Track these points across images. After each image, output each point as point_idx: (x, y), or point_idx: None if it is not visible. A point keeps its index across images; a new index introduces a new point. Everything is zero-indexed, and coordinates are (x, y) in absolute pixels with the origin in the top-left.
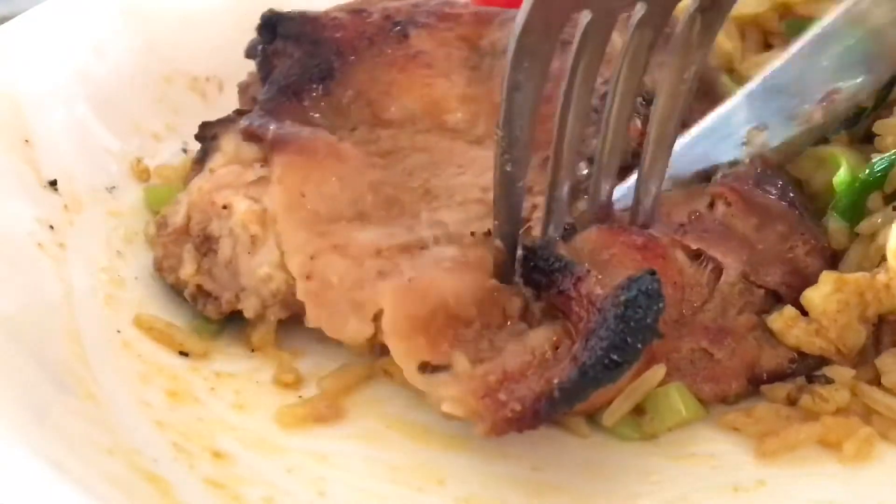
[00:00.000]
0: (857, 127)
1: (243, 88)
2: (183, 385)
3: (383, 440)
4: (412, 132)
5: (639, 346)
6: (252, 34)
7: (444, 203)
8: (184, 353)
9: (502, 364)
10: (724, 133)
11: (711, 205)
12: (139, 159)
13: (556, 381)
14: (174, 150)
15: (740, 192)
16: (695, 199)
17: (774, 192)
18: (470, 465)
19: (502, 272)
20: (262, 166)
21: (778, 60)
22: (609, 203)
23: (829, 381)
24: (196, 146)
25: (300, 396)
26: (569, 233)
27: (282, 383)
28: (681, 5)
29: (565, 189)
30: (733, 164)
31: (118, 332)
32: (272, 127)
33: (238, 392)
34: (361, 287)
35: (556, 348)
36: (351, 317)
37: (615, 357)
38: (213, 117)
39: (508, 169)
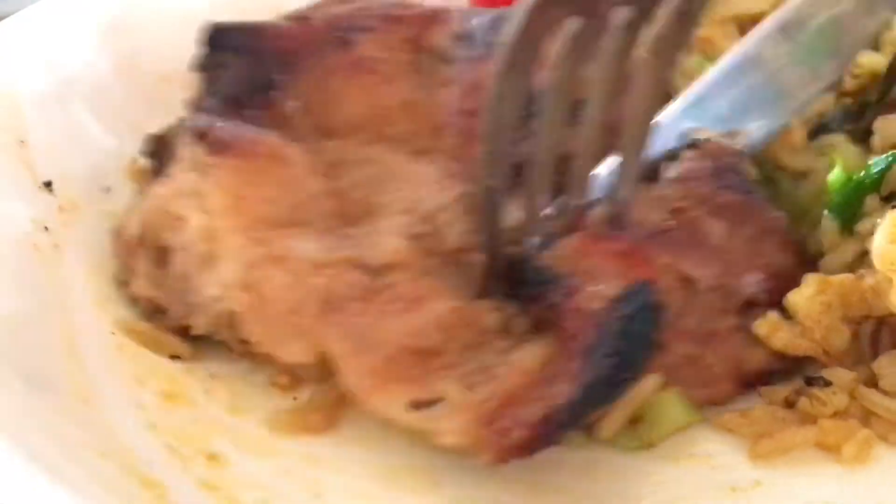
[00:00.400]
0: (861, 122)
1: (191, 103)
2: (178, 387)
3: (378, 442)
4: (356, 143)
5: (644, 360)
6: None
7: (384, 217)
8: (174, 357)
9: (498, 389)
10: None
11: (676, 212)
12: (134, 160)
13: (560, 401)
14: None
15: (701, 201)
16: (659, 204)
17: (733, 184)
18: (465, 467)
19: (484, 287)
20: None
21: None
22: (584, 209)
23: (827, 383)
24: None
25: (294, 399)
26: (548, 242)
27: (277, 385)
28: None
29: (543, 198)
30: (676, 155)
31: (112, 333)
32: (218, 125)
33: (233, 394)
34: (303, 311)
35: (550, 365)
36: (292, 341)
37: (622, 374)
38: None
39: (491, 183)
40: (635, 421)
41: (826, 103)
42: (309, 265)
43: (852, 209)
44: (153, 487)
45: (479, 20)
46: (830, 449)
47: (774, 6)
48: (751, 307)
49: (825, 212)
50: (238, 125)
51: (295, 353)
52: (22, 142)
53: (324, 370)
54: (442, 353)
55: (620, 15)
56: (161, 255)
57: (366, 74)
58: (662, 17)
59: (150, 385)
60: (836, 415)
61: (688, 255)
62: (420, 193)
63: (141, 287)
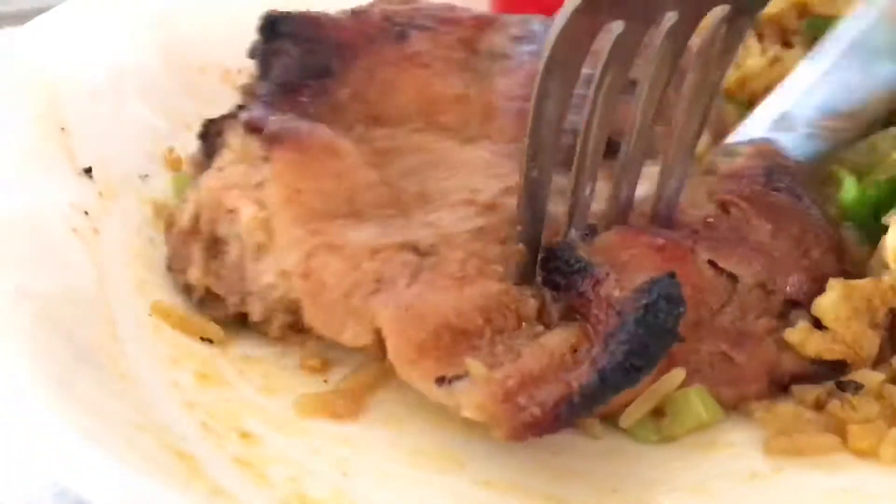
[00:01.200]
0: None
1: (246, 90)
2: (212, 368)
3: (405, 424)
4: (407, 132)
5: (659, 350)
6: None
7: (436, 205)
8: (206, 340)
9: (520, 367)
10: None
11: (724, 207)
12: (171, 149)
13: (575, 385)
14: None
15: (750, 198)
16: (706, 201)
17: (783, 186)
18: (489, 450)
19: (524, 275)
20: (267, 163)
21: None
22: (629, 205)
23: (859, 387)
24: None
25: (325, 381)
26: (590, 234)
27: (308, 368)
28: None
29: (588, 191)
30: (732, 153)
31: (150, 315)
32: (271, 118)
33: (265, 376)
34: (358, 293)
35: (575, 351)
36: (349, 322)
37: (635, 362)
38: None
39: (534, 175)
40: (658, 414)
41: None
42: (363, 251)
43: (872, 222)
44: (188, 461)
45: (538, 25)
46: (864, 454)
47: (793, 6)
48: (792, 308)
49: (846, 223)
50: (291, 118)
51: (352, 336)
52: (63, 129)
53: (380, 352)
54: (479, 335)
55: (666, 22)
56: (214, 245)
57: (419, 68)
58: (713, 22)
59: (185, 366)
60: (864, 421)
61: (731, 252)
62: (471, 180)
63: (197, 276)
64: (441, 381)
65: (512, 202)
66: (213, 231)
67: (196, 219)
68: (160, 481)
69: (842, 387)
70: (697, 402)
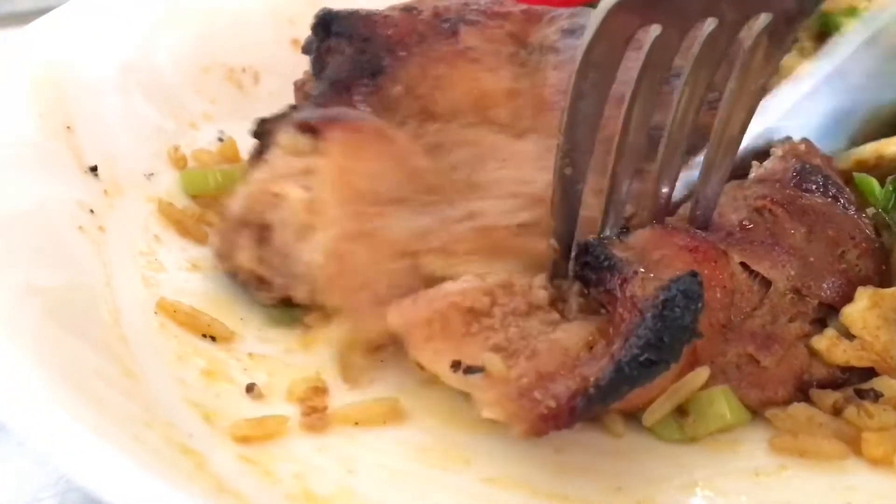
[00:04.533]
0: None
1: (298, 86)
2: (217, 365)
3: (412, 421)
4: (459, 126)
5: (675, 345)
6: (287, 27)
7: (482, 195)
8: (210, 337)
9: (536, 365)
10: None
11: (758, 212)
12: (176, 147)
13: (591, 378)
14: (210, 138)
15: (783, 202)
16: (740, 206)
17: (816, 188)
18: (496, 447)
19: (556, 271)
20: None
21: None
22: (667, 204)
23: (878, 395)
24: (231, 134)
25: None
26: (624, 231)
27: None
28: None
29: (624, 189)
30: (765, 154)
31: (155, 313)
32: (323, 113)
33: (270, 373)
34: (372, 290)
35: (591, 348)
36: (366, 314)
37: (651, 356)
38: (248, 107)
39: (568, 173)
40: (682, 413)
41: None
42: (393, 250)
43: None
44: (194, 457)
45: (587, 18)
46: (878, 462)
47: None
48: (829, 311)
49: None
50: (344, 110)
51: (367, 326)
52: (68, 127)
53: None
54: (488, 315)
55: (706, 28)
56: (262, 231)
57: (470, 63)
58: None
59: (191, 362)
60: (880, 429)
61: (765, 256)
62: (521, 172)
63: (244, 260)
64: (457, 366)
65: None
66: (261, 218)
67: (246, 210)
68: (166, 478)
69: (860, 394)
70: (722, 403)
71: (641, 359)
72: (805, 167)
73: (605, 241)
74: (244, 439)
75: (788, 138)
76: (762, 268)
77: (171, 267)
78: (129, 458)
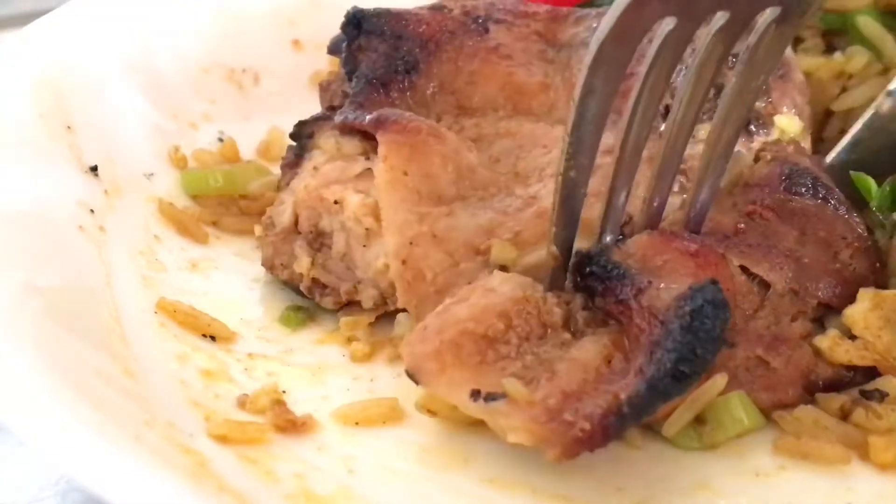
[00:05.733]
0: None
1: (324, 87)
2: (218, 365)
3: (412, 422)
4: (495, 119)
5: (709, 356)
6: (287, 27)
7: (534, 179)
8: (210, 337)
9: (559, 385)
10: None
11: (749, 216)
12: (177, 147)
13: (623, 395)
14: (210, 138)
15: (774, 207)
16: (731, 212)
17: (806, 190)
18: (495, 447)
19: (554, 279)
20: (366, 159)
21: None
22: (661, 209)
23: (883, 395)
24: (231, 134)
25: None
26: (620, 238)
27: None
28: None
29: (623, 195)
30: (755, 158)
31: (155, 312)
32: (372, 115)
33: (270, 374)
34: (451, 292)
35: (609, 362)
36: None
37: (684, 369)
38: (248, 108)
39: (572, 175)
40: (699, 422)
41: None
42: (467, 247)
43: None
44: (195, 456)
45: None
46: (887, 467)
47: None
48: (827, 311)
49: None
50: (392, 111)
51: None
52: (69, 128)
53: None
54: (504, 341)
55: (716, 20)
56: (317, 239)
57: (502, 59)
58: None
59: (191, 362)
60: (888, 431)
61: (762, 258)
62: None
63: (304, 268)
64: (476, 395)
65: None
66: (315, 226)
67: (295, 217)
68: (167, 477)
69: (866, 395)
70: (739, 409)
71: (675, 373)
72: (794, 170)
73: (607, 249)
74: (222, 438)
75: (777, 140)
76: (761, 270)
77: (171, 267)
78: (130, 458)
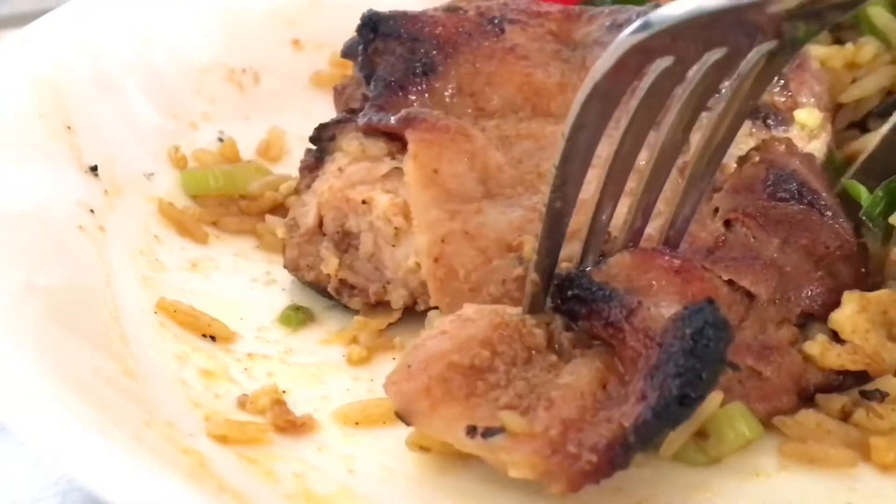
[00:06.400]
0: None
1: (339, 90)
2: (217, 365)
3: None
4: (515, 121)
5: (713, 379)
6: (287, 27)
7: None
8: (210, 337)
9: (558, 414)
10: None
11: (728, 225)
12: (176, 147)
13: (627, 424)
14: (210, 138)
15: (754, 215)
16: (712, 219)
17: (791, 195)
18: None
19: (534, 304)
20: (392, 159)
21: None
22: (642, 227)
23: (883, 395)
24: (231, 134)
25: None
26: (601, 259)
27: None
28: None
29: (604, 217)
30: (742, 159)
31: (155, 312)
32: (399, 114)
33: (270, 374)
34: (483, 292)
35: (604, 386)
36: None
37: (690, 393)
38: (248, 107)
39: (557, 206)
40: (701, 436)
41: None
42: (499, 243)
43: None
44: (195, 456)
45: (630, 14)
46: (889, 468)
47: None
48: (809, 321)
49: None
50: (418, 110)
51: None
52: (69, 127)
53: None
54: (490, 370)
55: (711, 56)
56: (343, 240)
57: (519, 59)
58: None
59: (191, 362)
60: (891, 431)
61: (747, 270)
62: None
63: (331, 269)
64: (472, 431)
65: None
66: (342, 227)
67: (319, 219)
68: (167, 477)
69: (867, 395)
70: (741, 421)
71: (681, 398)
72: (778, 175)
73: (588, 271)
74: (222, 438)
75: (772, 138)
76: (746, 283)
77: (171, 267)
78: (130, 458)
